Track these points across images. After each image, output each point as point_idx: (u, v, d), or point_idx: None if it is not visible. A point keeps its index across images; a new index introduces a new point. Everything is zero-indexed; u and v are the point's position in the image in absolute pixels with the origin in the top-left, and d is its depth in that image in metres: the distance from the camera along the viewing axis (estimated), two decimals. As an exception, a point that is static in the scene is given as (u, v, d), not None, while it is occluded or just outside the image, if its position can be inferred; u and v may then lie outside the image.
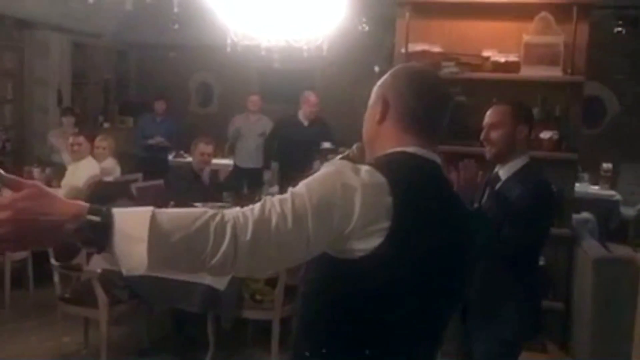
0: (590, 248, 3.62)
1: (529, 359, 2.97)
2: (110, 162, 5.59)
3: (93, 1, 3.93)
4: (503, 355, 2.39)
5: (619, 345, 2.95)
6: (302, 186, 1.17)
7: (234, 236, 1.07)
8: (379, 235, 1.17)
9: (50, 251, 3.81)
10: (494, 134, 2.44)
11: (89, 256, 3.75)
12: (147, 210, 1.06)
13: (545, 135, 3.76)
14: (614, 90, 7.27)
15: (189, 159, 5.63)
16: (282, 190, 1.19)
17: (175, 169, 6.61)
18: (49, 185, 5.34)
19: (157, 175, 5.50)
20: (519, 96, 2.78)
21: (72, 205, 1.05)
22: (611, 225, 5.94)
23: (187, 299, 3.52)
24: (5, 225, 1.00)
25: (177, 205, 4.06)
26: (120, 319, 4.06)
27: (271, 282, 3.67)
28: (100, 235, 1.03)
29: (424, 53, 3.89)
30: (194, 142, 4.90)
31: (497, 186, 2.45)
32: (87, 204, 1.06)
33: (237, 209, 1.13)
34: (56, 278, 3.87)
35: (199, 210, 1.10)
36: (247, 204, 1.15)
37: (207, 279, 3.43)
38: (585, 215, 4.90)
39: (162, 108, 7.47)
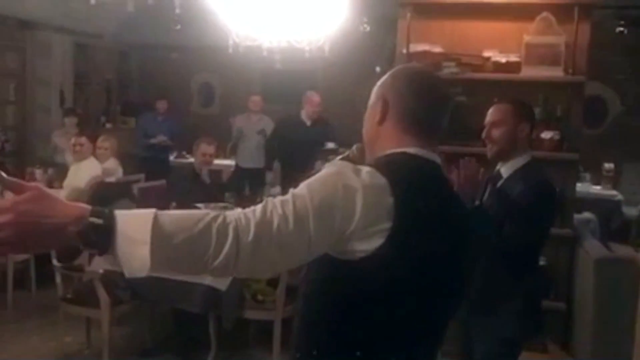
0: (592, 248, 3.62)
1: (530, 359, 2.97)
2: (112, 163, 5.60)
3: (95, 2, 3.93)
4: (503, 355, 2.39)
5: (621, 346, 2.95)
6: (303, 187, 1.17)
7: (236, 238, 1.07)
8: (380, 236, 1.17)
9: (53, 252, 3.81)
10: (496, 132, 2.45)
11: (90, 257, 3.75)
12: (149, 213, 1.06)
13: (546, 135, 3.76)
14: (615, 90, 7.27)
15: (191, 159, 5.64)
16: (284, 191, 1.19)
17: (177, 170, 6.63)
18: (51, 186, 5.37)
19: (158, 176, 5.51)
20: (519, 96, 2.77)
21: (74, 207, 1.05)
22: (613, 225, 5.93)
23: (189, 299, 3.53)
24: (7, 228, 1.00)
25: (179, 205, 4.08)
26: (122, 319, 4.07)
27: (273, 283, 3.67)
28: (102, 238, 1.03)
29: (425, 53, 3.89)
30: (195, 143, 4.90)
31: (499, 184, 2.46)
32: (89, 207, 1.05)
33: (239, 210, 1.13)
34: (58, 279, 3.88)
35: (201, 212, 1.10)
36: (249, 205, 1.15)
37: (208, 279, 3.43)
38: (586, 215, 4.89)
39: (163, 107, 7.47)
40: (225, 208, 4.09)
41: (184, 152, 7.87)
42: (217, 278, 3.29)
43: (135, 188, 5.12)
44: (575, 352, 3.64)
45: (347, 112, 6.52)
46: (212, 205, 4.16)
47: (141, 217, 1.05)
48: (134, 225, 1.04)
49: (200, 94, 9.36)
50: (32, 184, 1.06)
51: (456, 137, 3.49)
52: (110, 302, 3.66)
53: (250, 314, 3.74)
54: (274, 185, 5.67)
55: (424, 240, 1.24)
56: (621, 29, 6.91)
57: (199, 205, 4.06)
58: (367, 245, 1.17)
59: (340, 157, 1.57)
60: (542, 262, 3.26)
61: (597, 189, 6.40)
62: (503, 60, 3.85)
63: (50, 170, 5.89)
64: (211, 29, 4.47)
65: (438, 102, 1.39)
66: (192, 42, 8.04)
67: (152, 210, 1.06)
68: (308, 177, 1.20)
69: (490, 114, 2.50)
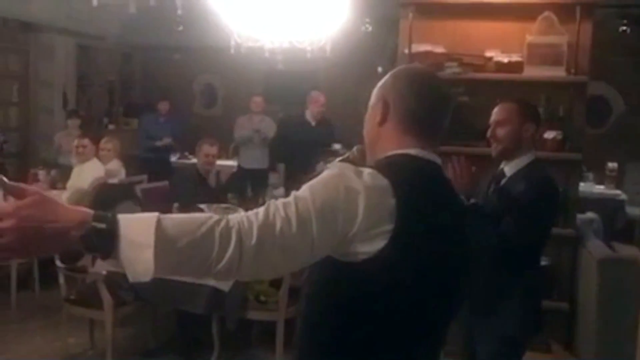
0: (595, 248, 3.61)
1: (534, 359, 2.97)
2: (115, 164, 5.60)
3: (97, 4, 3.93)
4: (508, 355, 2.40)
5: (624, 346, 2.95)
6: (305, 189, 1.17)
7: (239, 241, 1.07)
8: (382, 238, 1.17)
9: (56, 253, 3.83)
10: (501, 131, 2.45)
11: (94, 258, 3.75)
12: (152, 216, 1.05)
13: (549, 135, 3.76)
14: (619, 89, 7.25)
15: (194, 160, 5.64)
16: (288, 192, 1.19)
17: (180, 171, 6.63)
18: (55, 187, 5.39)
19: (161, 177, 5.51)
20: (522, 96, 2.77)
21: (76, 212, 1.05)
22: (617, 225, 5.91)
23: (192, 300, 3.53)
24: (10, 233, 0.99)
25: (182, 206, 4.08)
26: (126, 321, 4.08)
27: (276, 284, 3.67)
28: (105, 243, 1.03)
29: (427, 53, 3.89)
30: (198, 144, 4.91)
31: (502, 182, 2.47)
32: (91, 211, 1.05)
33: (242, 213, 1.13)
34: (61, 280, 3.89)
35: (204, 216, 1.10)
36: (251, 206, 1.16)
37: (211, 281, 3.44)
38: (590, 215, 4.88)
39: (165, 108, 7.46)
40: (228, 209, 4.10)
41: (187, 153, 7.88)
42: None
43: (138, 189, 5.12)
44: (579, 352, 3.63)
45: (349, 113, 6.53)
46: (215, 206, 4.16)
47: (144, 221, 1.05)
48: (137, 229, 1.04)
49: (203, 95, 9.37)
50: (34, 188, 1.05)
51: (458, 137, 3.49)
52: (113, 303, 3.67)
53: (253, 315, 3.75)
54: (277, 187, 5.66)
55: (426, 242, 1.24)
56: (624, 28, 6.89)
57: (201, 206, 4.06)
58: (370, 247, 1.17)
59: (340, 158, 1.56)
60: (545, 262, 3.27)
61: (600, 188, 6.39)
62: (505, 60, 3.84)
63: (53, 172, 5.90)
64: (213, 30, 4.47)
65: (439, 103, 1.38)
66: (194, 43, 8.06)
67: (155, 214, 1.06)
68: (309, 179, 1.20)
69: (496, 113, 2.50)
